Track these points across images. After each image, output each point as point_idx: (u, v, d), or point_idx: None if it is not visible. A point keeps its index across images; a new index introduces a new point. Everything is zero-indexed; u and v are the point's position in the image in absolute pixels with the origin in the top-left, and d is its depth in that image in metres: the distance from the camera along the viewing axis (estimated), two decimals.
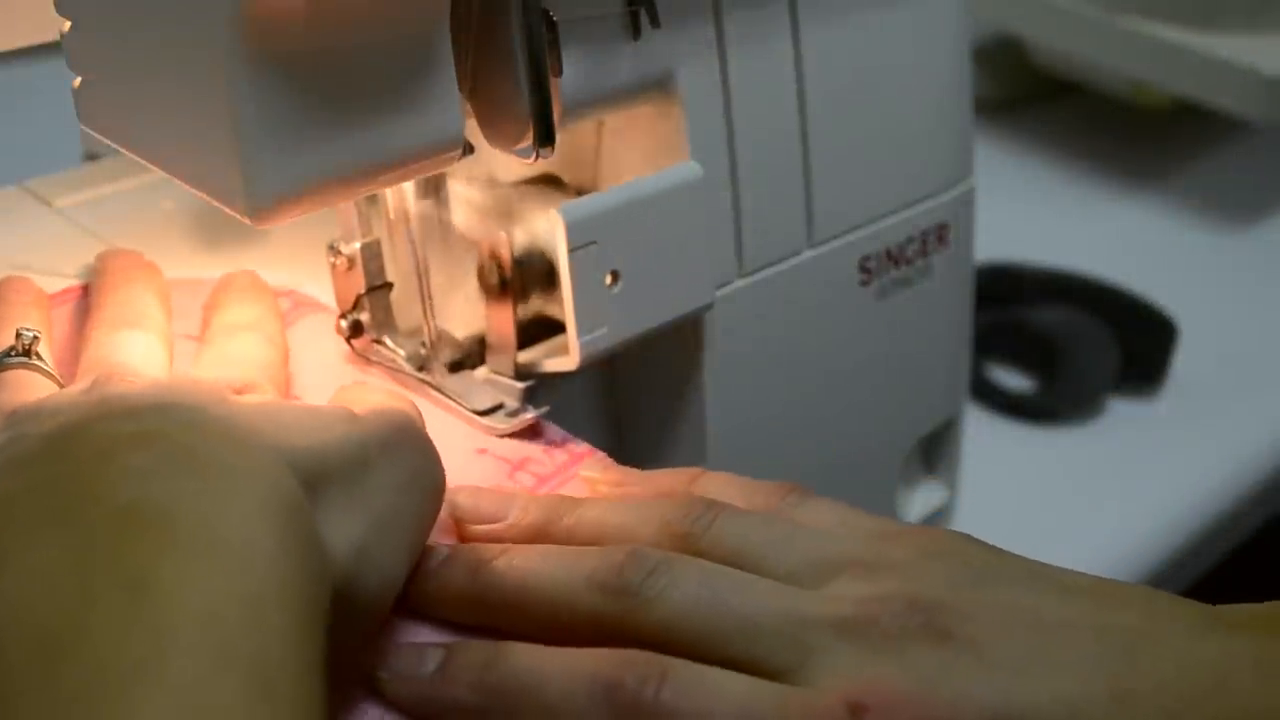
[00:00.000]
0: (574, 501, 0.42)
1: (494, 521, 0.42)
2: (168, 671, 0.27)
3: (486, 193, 0.52)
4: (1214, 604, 0.39)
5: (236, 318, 0.48)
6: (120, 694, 0.27)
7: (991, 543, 0.41)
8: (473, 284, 0.50)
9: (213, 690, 0.27)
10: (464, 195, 0.52)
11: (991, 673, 0.35)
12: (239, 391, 0.41)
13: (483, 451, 0.47)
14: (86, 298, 0.49)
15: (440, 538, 0.42)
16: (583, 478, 0.45)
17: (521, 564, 0.39)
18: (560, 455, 0.47)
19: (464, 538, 0.42)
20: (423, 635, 0.39)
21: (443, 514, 0.42)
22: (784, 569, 0.39)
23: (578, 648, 0.37)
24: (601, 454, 0.47)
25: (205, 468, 0.32)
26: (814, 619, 0.37)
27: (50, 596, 0.29)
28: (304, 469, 0.35)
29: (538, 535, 0.41)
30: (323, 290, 0.52)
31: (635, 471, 0.45)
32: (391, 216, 0.49)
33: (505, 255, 0.48)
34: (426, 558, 0.40)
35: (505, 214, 0.50)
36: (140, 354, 0.44)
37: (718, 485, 0.43)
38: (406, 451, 0.39)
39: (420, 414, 0.43)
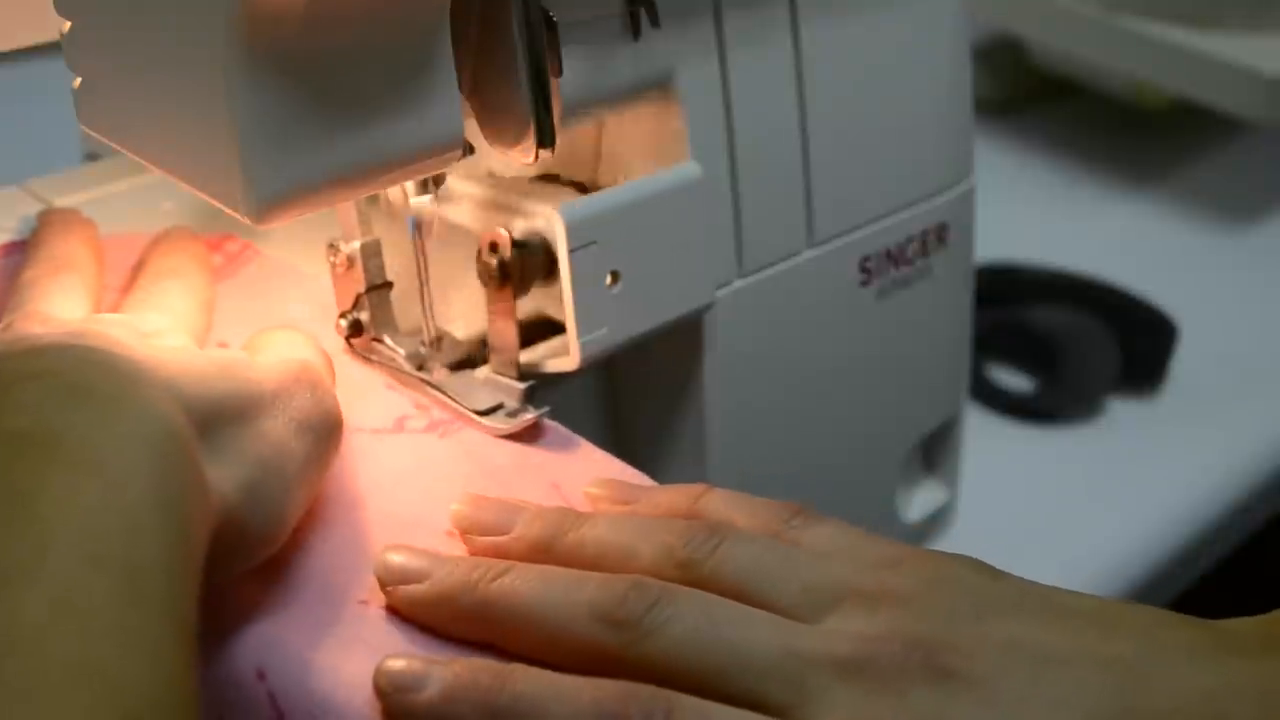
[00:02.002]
0: (579, 517, 0.42)
1: (497, 534, 0.42)
2: (44, 573, 0.30)
3: (486, 187, 0.52)
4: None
5: (162, 267, 0.50)
6: (2, 591, 0.30)
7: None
8: (473, 284, 0.50)
9: (85, 590, 0.30)
10: (464, 190, 0.52)
11: (990, 711, 0.35)
12: (151, 336, 0.43)
13: (391, 387, 0.49)
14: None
15: (448, 548, 0.42)
16: (586, 494, 0.45)
17: (523, 586, 0.39)
18: None
19: (470, 550, 0.42)
20: (425, 647, 0.39)
21: (449, 525, 0.42)
22: (786, 600, 0.39)
23: (579, 675, 0.37)
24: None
25: (94, 399, 0.35)
26: (813, 657, 0.37)
27: None
28: (195, 409, 0.37)
29: (541, 550, 0.41)
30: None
31: (640, 487, 0.45)
32: (391, 217, 0.49)
33: (505, 243, 0.48)
34: (430, 569, 0.40)
35: (505, 207, 0.50)
36: (64, 299, 0.46)
37: (722, 504, 0.43)
38: (301, 396, 0.42)
39: (329, 361, 0.46)
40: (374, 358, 0.50)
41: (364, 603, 0.40)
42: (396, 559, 0.40)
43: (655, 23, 0.47)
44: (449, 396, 0.48)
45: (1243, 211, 0.99)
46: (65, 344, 0.38)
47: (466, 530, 0.42)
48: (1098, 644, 0.37)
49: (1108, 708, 0.35)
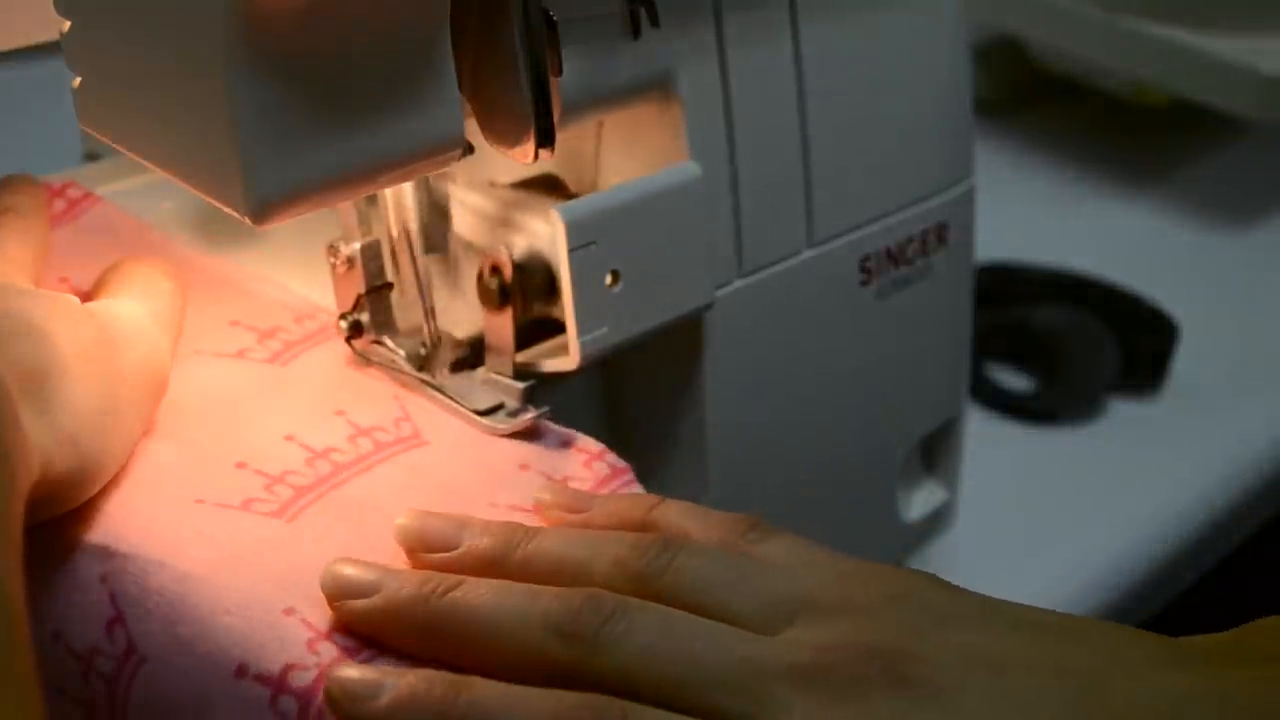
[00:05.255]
0: (528, 531, 0.41)
1: (443, 549, 0.41)
2: None
3: (487, 197, 0.52)
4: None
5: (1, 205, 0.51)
6: None
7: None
8: (473, 283, 0.50)
9: None
10: (464, 199, 0.52)
11: (948, 719, 0.35)
12: None
13: (235, 324, 0.50)
14: None
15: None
16: (537, 502, 0.44)
17: (476, 599, 0.38)
18: (312, 324, 0.51)
19: (415, 565, 0.41)
20: (377, 660, 0.38)
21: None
22: (743, 612, 0.38)
23: (534, 687, 0.36)
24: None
25: None
26: (771, 668, 0.36)
27: None
28: (19, 367, 0.40)
29: (491, 566, 0.40)
30: (323, 291, 0.52)
31: (591, 496, 0.44)
32: (391, 217, 0.49)
33: (506, 266, 0.48)
34: (380, 582, 0.39)
35: (505, 220, 0.50)
36: None
37: (676, 515, 0.42)
38: (129, 345, 0.44)
39: (182, 301, 0.49)
40: (374, 358, 0.50)
41: (200, 502, 0.42)
42: (344, 571, 0.39)
43: (655, 23, 0.47)
44: (449, 397, 0.48)
45: (1243, 211, 0.99)
46: None
47: (412, 547, 0.41)
48: (1058, 654, 0.37)
49: (1066, 714, 0.35)
